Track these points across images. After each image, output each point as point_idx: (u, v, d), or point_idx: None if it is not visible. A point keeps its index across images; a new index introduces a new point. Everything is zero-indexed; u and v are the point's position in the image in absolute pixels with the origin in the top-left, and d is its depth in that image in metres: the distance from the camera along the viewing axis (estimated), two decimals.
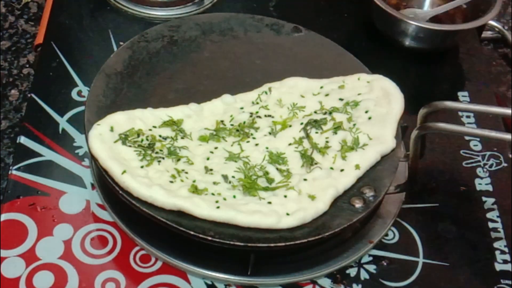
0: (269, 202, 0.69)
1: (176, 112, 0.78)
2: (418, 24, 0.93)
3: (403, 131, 0.79)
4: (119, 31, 0.97)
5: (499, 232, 0.79)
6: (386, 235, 0.77)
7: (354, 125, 0.77)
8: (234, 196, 0.70)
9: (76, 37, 0.96)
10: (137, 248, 0.73)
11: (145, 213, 0.67)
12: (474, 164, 0.85)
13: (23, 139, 0.82)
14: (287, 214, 0.68)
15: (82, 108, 0.84)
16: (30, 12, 1.08)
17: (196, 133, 0.76)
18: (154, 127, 0.76)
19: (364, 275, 0.74)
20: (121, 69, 0.82)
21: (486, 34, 1.05)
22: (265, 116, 0.79)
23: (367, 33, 1.01)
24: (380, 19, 0.97)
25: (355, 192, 0.72)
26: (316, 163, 0.73)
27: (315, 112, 0.79)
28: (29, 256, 0.71)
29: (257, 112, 0.79)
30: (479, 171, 0.85)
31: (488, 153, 0.87)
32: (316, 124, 0.78)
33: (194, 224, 0.67)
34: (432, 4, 1.02)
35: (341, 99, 0.80)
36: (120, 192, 0.68)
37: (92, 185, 0.78)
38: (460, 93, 0.94)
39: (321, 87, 0.82)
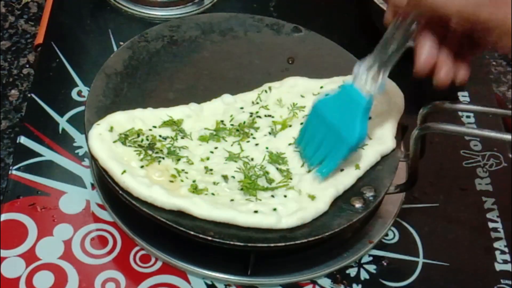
0: (269, 202, 0.69)
1: (176, 112, 0.78)
2: None
3: (403, 131, 0.79)
4: (119, 31, 0.96)
5: (499, 232, 0.78)
6: (386, 235, 0.77)
7: None
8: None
9: (76, 37, 0.96)
10: (137, 248, 0.73)
11: (145, 213, 0.67)
12: (474, 164, 0.85)
13: (23, 139, 0.82)
14: (287, 214, 0.68)
15: (82, 108, 0.84)
16: (30, 12, 1.08)
17: (196, 133, 0.76)
18: (154, 127, 0.76)
19: (364, 275, 0.74)
20: (121, 69, 0.82)
21: None
22: (265, 116, 0.79)
23: (367, 33, 1.00)
24: (380, 19, 0.97)
25: (355, 192, 0.71)
26: None
27: None
28: (29, 256, 0.71)
29: (257, 112, 0.79)
30: (479, 171, 0.85)
31: (488, 153, 0.87)
32: None
33: (194, 224, 0.67)
34: None
35: None
36: (120, 192, 0.68)
37: (92, 185, 0.78)
38: (460, 93, 0.94)
39: (321, 87, 0.82)
